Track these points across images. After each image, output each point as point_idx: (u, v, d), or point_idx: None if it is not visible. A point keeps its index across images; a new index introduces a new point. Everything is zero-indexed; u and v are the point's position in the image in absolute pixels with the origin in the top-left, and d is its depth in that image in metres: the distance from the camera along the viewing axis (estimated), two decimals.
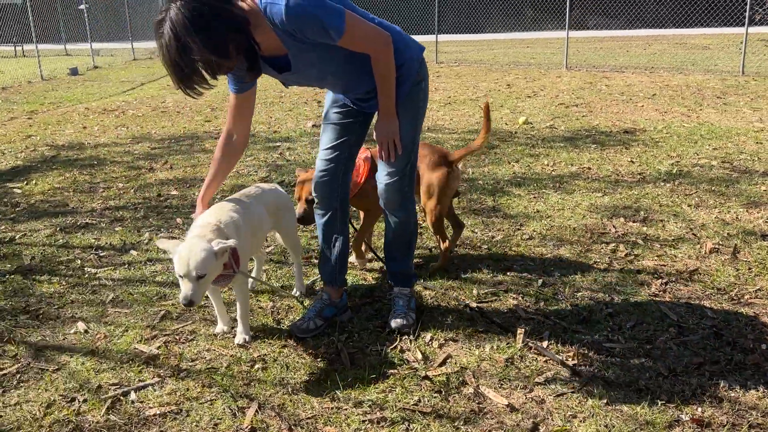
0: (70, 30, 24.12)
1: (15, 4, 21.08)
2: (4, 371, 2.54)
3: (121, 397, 2.36)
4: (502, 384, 2.41)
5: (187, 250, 2.29)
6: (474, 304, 3.03)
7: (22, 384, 2.46)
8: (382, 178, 2.74)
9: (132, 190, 5.13)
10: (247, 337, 2.71)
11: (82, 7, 21.79)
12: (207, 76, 2.12)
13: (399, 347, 2.67)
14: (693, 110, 8.20)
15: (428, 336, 2.75)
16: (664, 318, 2.86)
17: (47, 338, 2.81)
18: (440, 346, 2.68)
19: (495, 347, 2.65)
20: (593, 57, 16.14)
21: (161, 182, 5.36)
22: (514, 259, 3.58)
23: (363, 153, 3.17)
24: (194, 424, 2.19)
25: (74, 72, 16.11)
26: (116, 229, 4.21)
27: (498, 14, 26.69)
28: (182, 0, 2.02)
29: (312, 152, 6.31)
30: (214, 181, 2.72)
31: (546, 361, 2.55)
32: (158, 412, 2.25)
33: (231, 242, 2.36)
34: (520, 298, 3.11)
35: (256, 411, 2.25)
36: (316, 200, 2.87)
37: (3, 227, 4.28)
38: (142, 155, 6.45)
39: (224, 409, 2.27)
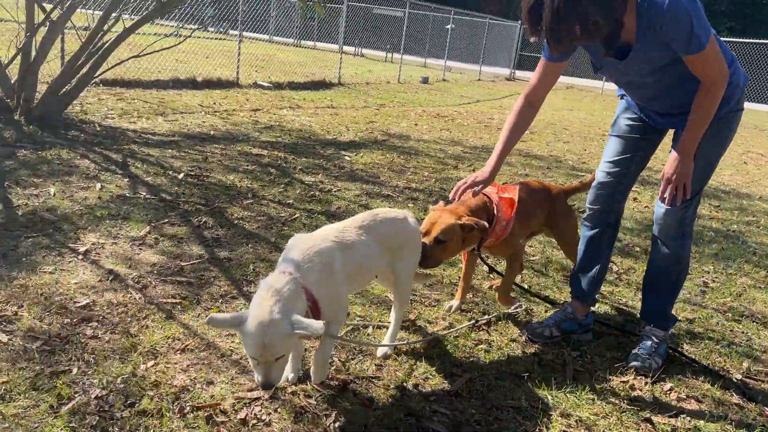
0: (433, 45, 26.86)
1: (395, 17, 24.38)
2: None
3: None
4: None
5: (261, 331, 1.80)
6: (738, 377, 2.65)
7: None
8: (663, 204, 2.57)
9: (433, 180, 5.62)
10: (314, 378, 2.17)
11: (448, 26, 24.18)
12: (576, 33, 2.05)
13: (631, 384, 2.50)
14: None
15: (668, 386, 2.51)
16: None
17: None
18: (678, 400, 2.42)
19: (741, 424, 2.30)
20: None
21: (459, 178, 5.75)
22: None
23: (508, 191, 2.86)
24: None
25: (425, 80, 18.00)
26: (409, 205, 4.68)
27: None
28: None
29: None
30: (506, 146, 2.61)
31: None
32: None
33: (317, 326, 1.81)
34: None
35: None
36: (588, 212, 2.83)
37: (327, 180, 5.09)
38: (453, 155, 6.97)
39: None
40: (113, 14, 5.60)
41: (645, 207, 5.55)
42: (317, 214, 4.16)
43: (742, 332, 3.12)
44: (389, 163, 6.08)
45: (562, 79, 26.26)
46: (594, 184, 2.78)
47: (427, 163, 6.31)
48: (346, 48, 27.08)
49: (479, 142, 8.22)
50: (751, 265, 4.21)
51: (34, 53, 5.43)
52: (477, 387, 2.34)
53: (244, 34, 26.16)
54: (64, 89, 5.64)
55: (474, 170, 6.24)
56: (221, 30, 23.96)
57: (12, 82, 5.54)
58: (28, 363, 2.13)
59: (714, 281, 3.81)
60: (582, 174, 6.74)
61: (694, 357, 2.75)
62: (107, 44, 5.67)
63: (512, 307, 3.00)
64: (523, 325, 2.89)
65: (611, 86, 23.71)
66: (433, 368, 2.42)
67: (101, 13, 5.61)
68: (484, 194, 2.77)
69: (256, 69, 13.79)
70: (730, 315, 3.32)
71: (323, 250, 2.04)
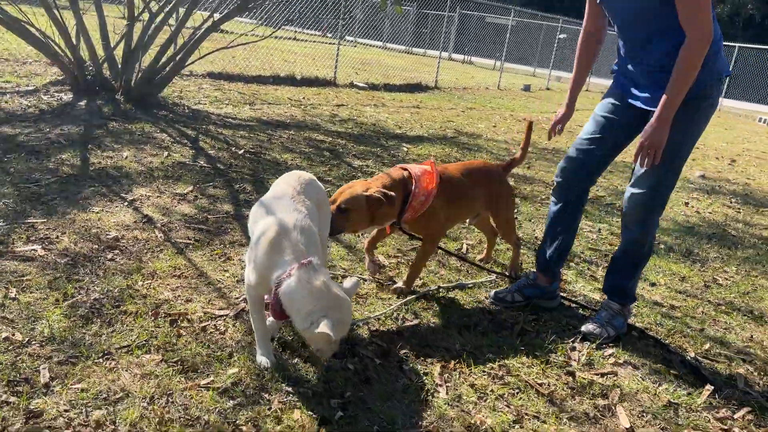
0: (543, 54, 26.49)
1: (507, 25, 24.33)
2: None
3: None
4: (642, 415, 2.21)
5: (346, 314, 1.99)
6: (692, 355, 2.70)
7: None
8: (631, 187, 2.68)
9: None
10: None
11: (562, 35, 23.80)
12: None
13: (573, 346, 2.64)
14: None
15: (610, 351, 2.63)
16: None
17: None
18: (614, 364, 2.54)
19: (670, 389, 2.39)
20: None
21: (512, 174, 5.90)
22: None
23: (430, 167, 2.84)
24: None
25: (526, 88, 17.90)
26: None
27: None
28: None
29: (682, 197, 5.96)
30: (581, 78, 2.89)
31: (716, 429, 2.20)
32: None
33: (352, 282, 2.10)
34: (756, 374, 2.63)
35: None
36: (554, 186, 2.94)
37: (374, 165, 5.44)
38: (513, 154, 7.08)
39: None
40: (195, 11, 6.28)
41: (695, 211, 5.42)
42: None
43: (725, 322, 3.12)
44: (444, 156, 6.34)
45: None
46: (564, 158, 2.90)
47: (482, 158, 6.49)
48: (455, 55, 27.46)
49: (549, 144, 8.23)
50: None
51: (136, 41, 6.24)
52: (421, 330, 2.60)
53: (359, 40, 27.20)
54: (160, 75, 6.42)
55: (529, 168, 6.35)
56: (337, 36, 25.13)
57: (118, 66, 6.40)
58: (53, 271, 2.65)
59: (727, 280, 3.76)
60: None
61: (643, 329, 2.83)
62: (197, 37, 6.38)
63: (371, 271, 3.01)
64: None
65: (729, 103, 22.25)
66: (390, 314, 2.70)
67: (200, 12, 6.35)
68: (406, 169, 2.83)
69: (357, 71, 14.43)
70: (723, 308, 3.31)
71: (306, 227, 2.12)
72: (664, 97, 2.41)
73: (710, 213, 5.43)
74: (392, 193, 2.66)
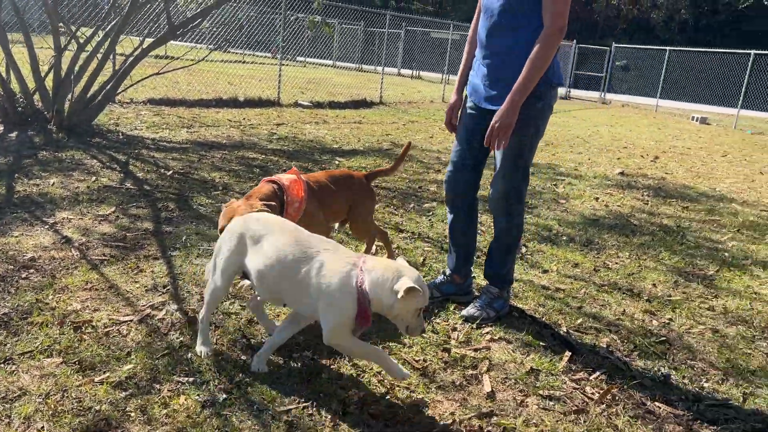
0: None
1: (446, 39, 24.95)
2: None
3: None
4: (505, 381, 2.47)
5: (419, 278, 2.16)
6: (564, 330, 3.00)
7: None
8: (491, 186, 2.98)
9: (406, 181, 6.09)
10: None
11: None
12: None
13: (453, 326, 2.90)
14: None
15: (487, 330, 2.90)
16: None
17: None
18: (490, 341, 2.81)
19: (536, 358, 2.67)
20: None
21: (432, 181, 6.21)
22: (654, 309, 3.28)
23: (295, 175, 3.05)
24: None
25: None
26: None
27: None
28: None
29: (591, 192, 6.33)
30: (466, 72, 3.13)
31: (570, 390, 2.47)
32: None
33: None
34: (619, 342, 2.93)
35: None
36: (445, 198, 3.24)
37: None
38: (444, 162, 7.41)
39: None
40: (125, 37, 6.46)
41: (604, 205, 5.79)
42: None
43: (604, 300, 3.43)
44: (374, 167, 6.61)
45: (617, 97, 26.00)
46: (447, 171, 3.20)
47: (413, 168, 6.79)
48: (404, 71, 27.99)
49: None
50: (670, 253, 4.43)
51: (66, 71, 6.39)
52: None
53: (309, 60, 27.37)
54: (92, 103, 6.56)
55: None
56: (289, 57, 25.40)
57: (50, 96, 6.53)
58: None
59: (617, 264, 4.09)
60: (562, 178, 7.00)
61: (523, 309, 3.12)
62: (127, 64, 6.56)
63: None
64: None
65: (666, 104, 23.18)
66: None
67: (131, 38, 6.53)
68: (274, 181, 2.96)
69: (303, 91, 14.70)
70: (605, 288, 3.63)
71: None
72: (518, 82, 2.67)
73: (618, 206, 5.80)
74: (273, 203, 2.85)
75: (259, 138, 7.69)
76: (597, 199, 6.03)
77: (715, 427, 2.31)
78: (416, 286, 2.05)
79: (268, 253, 2.25)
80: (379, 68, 26.84)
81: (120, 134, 6.79)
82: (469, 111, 3.06)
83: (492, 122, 2.74)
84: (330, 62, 28.14)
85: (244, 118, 9.45)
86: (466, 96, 3.12)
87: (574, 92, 25.86)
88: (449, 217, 3.24)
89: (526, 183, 2.98)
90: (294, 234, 2.28)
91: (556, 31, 2.64)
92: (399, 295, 2.06)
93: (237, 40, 13.84)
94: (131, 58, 6.61)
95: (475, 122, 3.02)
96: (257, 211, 2.75)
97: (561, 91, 24.89)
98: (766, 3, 32.49)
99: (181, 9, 9.66)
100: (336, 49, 28.51)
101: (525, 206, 5.29)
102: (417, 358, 2.59)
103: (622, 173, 7.71)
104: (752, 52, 17.93)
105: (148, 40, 6.82)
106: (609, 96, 25.68)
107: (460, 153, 3.10)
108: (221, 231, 2.63)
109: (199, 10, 7.10)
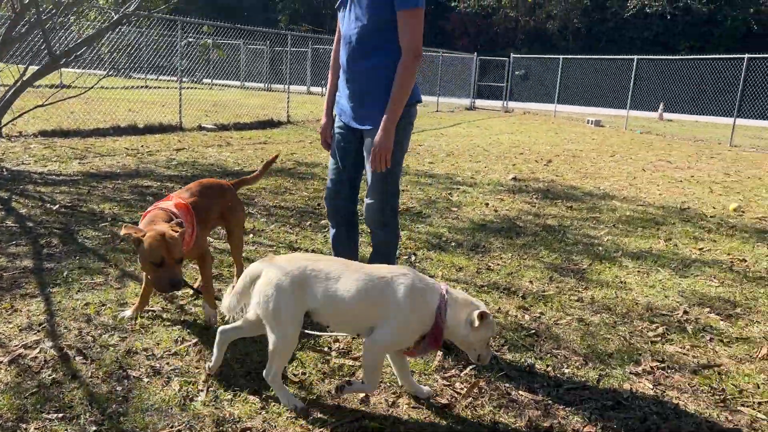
0: None
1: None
2: None
3: None
4: (380, 384, 2.59)
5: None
6: None
7: None
8: (366, 199, 3.12)
9: (305, 199, 6.18)
10: None
11: None
12: None
13: (336, 338, 3.00)
14: None
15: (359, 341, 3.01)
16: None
17: None
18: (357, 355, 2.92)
19: (411, 360, 2.80)
20: None
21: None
22: (537, 332, 3.51)
23: (179, 197, 3.06)
24: None
25: None
26: (258, 218, 5.23)
27: None
28: None
29: (483, 199, 6.62)
30: (333, 94, 3.25)
31: (441, 387, 2.62)
32: None
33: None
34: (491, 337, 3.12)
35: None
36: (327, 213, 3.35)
37: None
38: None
39: None
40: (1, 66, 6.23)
41: (493, 210, 6.09)
42: None
43: (483, 299, 3.62)
44: (275, 187, 6.65)
45: (519, 105, 27.20)
46: (325, 189, 3.32)
47: (314, 187, 6.88)
48: (313, 89, 28.11)
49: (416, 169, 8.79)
50: (550, 251, 4.72)
51: None
52: (195, 350, 2.86)
53: (216, 81, 26.94)
54: None
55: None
56: (194, 80, 24.99)
57: None
58: None
59: (498, 265, 4.32)
60: (458, 187, 7.29)
61: None
62: (7, 97, 6.32)
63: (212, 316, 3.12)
64: None
65: (564, 109, 24.41)
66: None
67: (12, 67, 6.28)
68: (161, 208, 2.94)
69: (207, 114, 14.51)
70: (486, 288, 3.83)
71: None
72: (388, 107, 2.88)
73: (507, 210, 6.11)
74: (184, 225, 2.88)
75: (157, 165, 7.57)
76: (488, 204, 6.32)
77: (570, 408, 2.52)
78: (489, 316, 2.26)
79: (345, 288, 2.29)
80: (290, 87, 26.79)
81: (4, 170, 6.51)
82: (339, 131, 3.20)
83: (372, 148, 2.93)
84: (237, 83, 27.91)
85: (142, 145, 9.26)
86: (335, 116, 3.25)
87: (479, 102, 26.77)
88: (331, 231, 3.36)
89: (398, 196, 3.14)
90: (355, 265, 2.40)
91: (413, 57, 2.87)
92: (475, 324, 2.26)
93: (138, 64, 13.52)
94: (12, 90, 6.38)
95: (347, 141, 3.17)
96: (180, 235, 2.73)
97: (466, 102, 25.82)
98: (648, 11, 34.97)
99: (65, 37, 9.38)
100: (243, 70, 28.30)
101: (420, 217, 5.55)
102: (296, 372, 2.66)
103: (515, 178, 8.10)
104: (635, 57, 19.21)
105: (33, 68, 6.60)
106: (511, 104, 26.76)
107: (336, 170, 3.23)
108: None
109: (82, 38, 6.94)
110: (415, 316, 2.28)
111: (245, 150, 9.50)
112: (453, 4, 38.63)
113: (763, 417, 2.51)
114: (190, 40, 12.50)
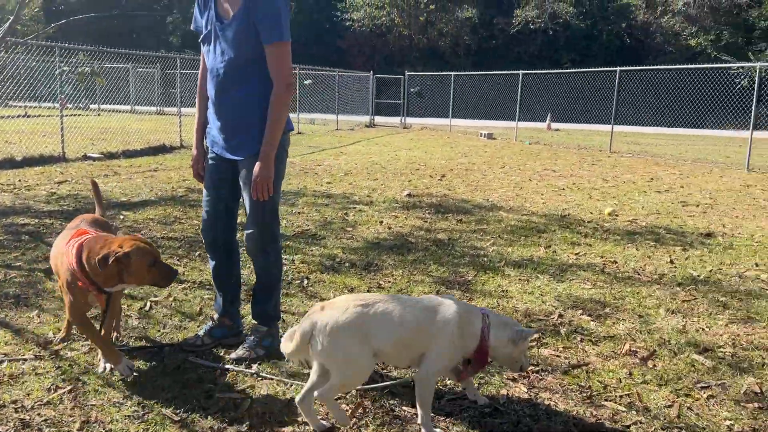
0: (297, 100, 27.79)
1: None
2: None
3: None
4: (263, 415, 2.59)
5: None
6: None
7: None
8: (245, 229, 3.13)
9: (194, 228, 6.05)
10: None
11: (307, 81, 25.14)
12: None
13: (222, 371, 2.97)
14: None
15: (255, 368, 3.00)
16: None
17: None
18: (258, 378, 2.91)
19: (298, 388, 2.82)
20: None
21: None
22: None
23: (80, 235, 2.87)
24: None
25: None
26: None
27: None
28: None
29: (378, 217, 6.74)
30: (202, 125, 3.23)
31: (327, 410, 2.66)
32: None
33: None
34: None
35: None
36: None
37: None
38: None
39: None
40: None
41: (387, 227, 6.22)
42: (38, 272, 4.46)
43: None
44: (164, 216, 6.47)
45: (417, 121, 27.94)
46: (201, 221, 3.29)
47: (198, 214, 6.73)
48: None
49: (287, 187, 8.75)
50: (438, 265, 4.89)
51: None
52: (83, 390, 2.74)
53: (103, 107, 25.84)
54: None
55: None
56: (80, 106, 23.77)
57: None
58: None
59: (389, 282, 4.43)
60: (354, 206, 7.39)
61: None
62: None
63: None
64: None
65: (460, 122, 25.29)
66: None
67: None
68: (85, 231, 2.92)
69: (94, 141, 13.87)
70: None
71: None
72: (265, 138, 2.92)
73: (401, 227, 6.26)
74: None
75: (36, 200, 7.16)
76: (382, 222, 6.45)
77: (451, 419, 2.62)
78: (530, 334, 2.57)
79: (400, 322, 2.44)
80: (183, 109, 26.13)
81: None
82: (213, 162, 3.19)
83: (254, 178, 2.95)
84: (128, 107, 26.86)
85: (20, 180, 8.73)
86: (206, 147, 3.24)
87: (378, 119, 27.22)
88: (211, 263, 3.33)
89: (278, 222, 3.16)
90: (403, 298, 2.60)
91: (285, 88, 2.94)
92: (520, 344, 2.54)
93: (15, 92, 12.70)
94: None
95: (221, 171, 3.17)
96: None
97: (365, 119, 26.19)
98: (532, 27, 37.02)
99: None
100: (133, 94, 27.30)
101: (315, 239, 5.58)
102: (177, 410, 2.61)
103: (409, 195, 8.30)
104: (521, 72, 20.25)
105: None
106: (409, 120, 27.40)
107: (212, 201, 3.21)
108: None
109: None
110: (463, 340, 2.49)
111: (134, 179, 9.18)
112: (348, 24, 39.18)
113: (624, 409, 2.72)
114: (65, 68, 11.93)
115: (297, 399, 2.50)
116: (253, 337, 3.18)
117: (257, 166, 2.94)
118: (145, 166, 10.87)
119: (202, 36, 3.07)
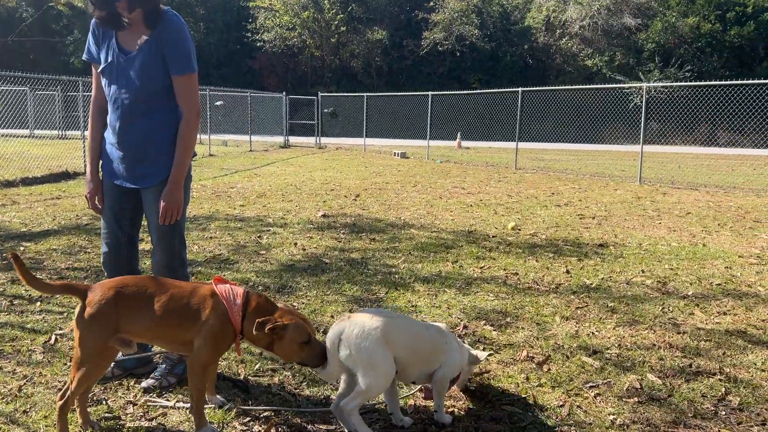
0: (202, 124, 27.34)
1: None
2: None
3: None
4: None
5: None
6: (242, 377, 3.25)
7: None
8: (154, 256, 3.15)
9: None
10: None
11: (218, 102, 24.82)
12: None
13: (133, 401, 2.96)
14: (709, 231, 7.72)
15: (164, 398, 3.02)
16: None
17: None
18: (171, 406, 2.93)
19: (209, 412, 2.86)
20: (680, 173, 15.49)
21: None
22: None
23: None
24: None
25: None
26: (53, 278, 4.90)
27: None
28: None
29: (292, 238, 6.80)
30: (96, 151, 3.15)
31: None
32: None
33: None
34: (291, 377, 3.27)
35: None
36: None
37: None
38: None
39: None
40: None
41: (301, 249, 6.31)
42: None
43: None
44: (68, 246, 6.26)
45: (332, 141, 28.21)
46: (102, 254, 3.27)
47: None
48: None
49: (199, 211, 8.65)
50: (351, 284, 5.03)
51: None
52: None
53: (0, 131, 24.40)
54: None
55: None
56: None
57: None
58: None
59: (304, 303, 4.52)
60: (269, 228, 7.43)
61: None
62: None
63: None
64: None
65: (375, 142, 25.73)
66: None
67: None
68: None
69: None
70: None
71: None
72: (175, 164, 3.00)
73: (315, 248, 6.36)
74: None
75: None
76: (296, 244, 6.52)
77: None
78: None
79: (421, 339, 2.76)
80: (86, 134, 25.19)
81: None
82: (112, 192, 3.17)
83: (164, 204, 3.00)
84: (26, 132, 25.52)
85: None
86: (103, 177, 3.21)
87: (293, 139, 27.26)
88: None
89: (185, 247, 3.20)
90: (416, 320, 2.97)
91: (194, 116, 3.03)
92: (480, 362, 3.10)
93: None
94: None
95: (122, 201, 3.17)
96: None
97: (280, 139, 26.12)
98: (440, 48, 38.25)
99: None
100: (32, 118, 25.97)
101: (227, 264, 5.58)
102: (107, 416, 2.59)
103: (324, 215, 8.42)
104: (430, 93, 20.90)
105: None
106: (324, 140, 27.58)
107: (113, 233, 3.19)
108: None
109: None
110: (462, 357, 2.93)
111: (34, 208, 8.79)
112: (259, 45, 39.02)
113: (521, 411, 2.94)
114: None
115: (331, 407, 2.73)
116: (164, 364, 3.19)
117: (167, 191, 3.00)
118: (46, 193, 10.41)
119: (101, 67, 3.06)
